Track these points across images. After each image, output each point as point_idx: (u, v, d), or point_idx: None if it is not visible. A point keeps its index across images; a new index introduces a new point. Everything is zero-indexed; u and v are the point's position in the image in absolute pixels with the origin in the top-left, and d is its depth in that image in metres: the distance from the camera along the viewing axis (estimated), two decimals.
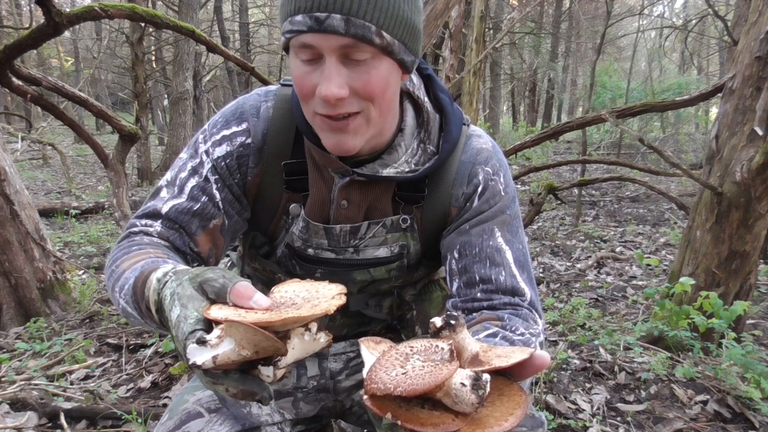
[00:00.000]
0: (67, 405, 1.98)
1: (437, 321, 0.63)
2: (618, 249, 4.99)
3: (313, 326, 0.64)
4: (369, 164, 0.97)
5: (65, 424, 1.90)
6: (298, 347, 0.63)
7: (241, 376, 0.61)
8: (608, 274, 4.32)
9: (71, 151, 13.26)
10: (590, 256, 4.75)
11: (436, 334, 0.63)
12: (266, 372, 0.61)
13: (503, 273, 0.97)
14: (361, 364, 1.18)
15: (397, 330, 1.24)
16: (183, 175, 0.99)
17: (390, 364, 0.60)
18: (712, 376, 2.23)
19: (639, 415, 2.05)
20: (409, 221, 1.04)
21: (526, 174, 3.87)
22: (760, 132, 2.34)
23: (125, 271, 0.84)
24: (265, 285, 0.67)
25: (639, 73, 18.79)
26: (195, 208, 0.97)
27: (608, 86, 12.35)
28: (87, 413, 1.97)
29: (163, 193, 0.99)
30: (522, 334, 0.90)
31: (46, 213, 5.99)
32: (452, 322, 0.62)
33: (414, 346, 0.63)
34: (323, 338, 0.65)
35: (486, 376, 0.57)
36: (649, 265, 3.60)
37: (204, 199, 0.97)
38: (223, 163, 0.99)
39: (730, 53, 6.64)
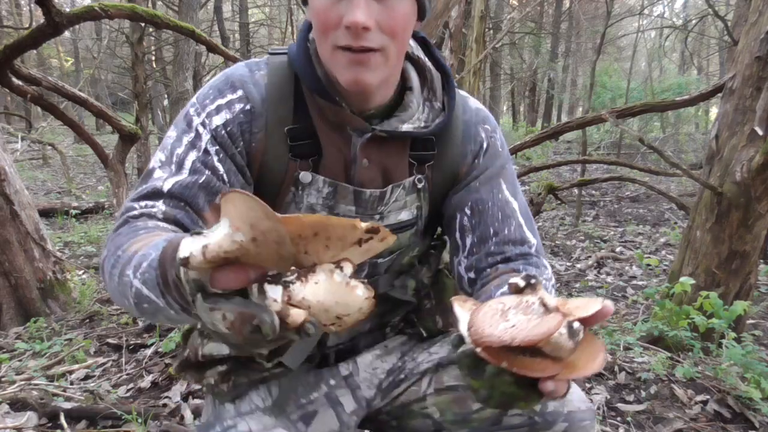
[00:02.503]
0: (67, 405, 1.98)
1: (519, 281, 0.69)
2: (618, 249, 4.99)
3: (347, 266, 0.52)
4: (386, 121, 0.97)
5: (65, 424, 1.90)
6: (323, 286, 0.51)
7: (242, 299, 0.53)
8: (608, 274, 4.32)
9: (71, 151, 13.22)
10: (590, 256, 4.75)
11: (518, 292, 0.69)
12: (272, 293, 0.50)
13: (513, 224, 1.02)
14: (393, 383, 1.18)
15: (414, 323, 1.23)
16: (179, 150, 0.91)
17: (493, 320, 0.64)
18: (712, 376, 2.23)
19: (639, 415, 2.05)
20: (423, 182, 1.05)
21: (526, 174, 3.87)
22: (760, 132, 2.35)
23: (138, 252, 0.73)
24: None
25: (639, 73, 18.80)
26: (200, 181, 0.90)
27: (608, 86, 12.35)
28: (87, 413, 1.96)
29: (158, 173, 0.89)
30: None
31: (46, 213, 5.98)
32: (532, 281, 0.68)
33: (504, 302, 0.68)
34: (361, 290, 0.52)
35: (578, 325, 0.61)
36: (649, 265, 3.60)
37: (207, 172, 0.91)
38: (223, 132, 0.92)
39: (730, 53, 6.63)
